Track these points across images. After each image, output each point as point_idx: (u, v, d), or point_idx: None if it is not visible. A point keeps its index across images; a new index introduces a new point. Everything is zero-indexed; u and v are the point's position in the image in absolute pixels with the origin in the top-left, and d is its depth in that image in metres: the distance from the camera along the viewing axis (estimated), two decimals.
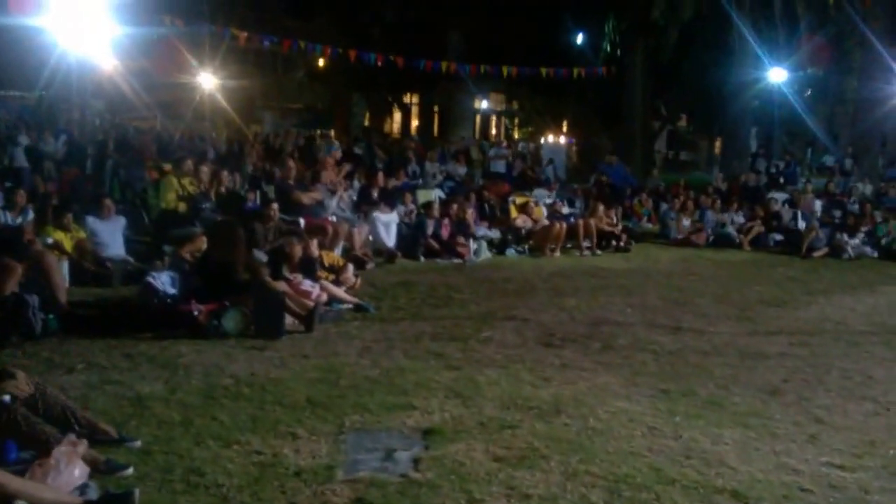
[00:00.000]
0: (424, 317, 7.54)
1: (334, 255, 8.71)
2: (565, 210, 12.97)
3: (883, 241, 12.73)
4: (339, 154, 14.83)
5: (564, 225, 11.99)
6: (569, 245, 12.09)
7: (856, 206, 14.58)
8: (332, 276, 7.79)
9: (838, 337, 7.44)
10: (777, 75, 23.30)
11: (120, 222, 9.49)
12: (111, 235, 9.18)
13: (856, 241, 12.63)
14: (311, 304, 6.90)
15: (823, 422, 5.02)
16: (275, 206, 9.35)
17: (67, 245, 8.49)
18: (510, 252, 11.72)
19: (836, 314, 8.50)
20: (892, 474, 4.26)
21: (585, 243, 12.03)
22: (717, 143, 35.40)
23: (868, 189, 17.08)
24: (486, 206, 13.15)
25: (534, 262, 11.21)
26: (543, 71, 23.57)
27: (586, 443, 4.49)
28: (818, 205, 14.82)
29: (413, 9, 30.07)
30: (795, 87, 27.15)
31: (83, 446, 3.72)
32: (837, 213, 13.80)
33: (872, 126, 21.54)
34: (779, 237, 13.52)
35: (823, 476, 4.19)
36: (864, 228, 12.97)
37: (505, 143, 26.40)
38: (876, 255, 12.60)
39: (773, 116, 28.39)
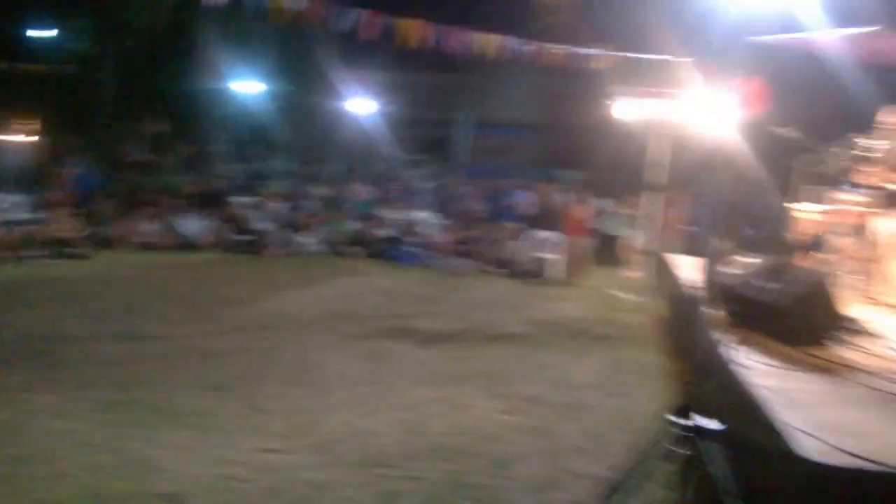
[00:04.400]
0: None
1: None
2: (19, 216, 11.53)
3: (334, 239, 14.29)
4: None
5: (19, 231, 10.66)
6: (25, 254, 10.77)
7: (313, 207, 15.99)
8: None
9: (291, 328, 8.03)
10: (248, 86, 24.40)
11: None
12: None
13: (311, 238, 13.94)
14: None
15: (265, 411, 5.31)
16: None
17: None
18: None
19: (291, 307, 9.17)
20: (323, 451, 4.68)
21: (43, 251, 10.86)
22: (190, 149, 35.48)
23: (324, 190, 18.91)
24: None
25: None
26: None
27: (10, 473, 3.97)
28: (280, 206, 15.85)
29: None
30: (267, 98, 28.84)
31: None
32: (296, 214, 14.99)
33: (327, 132, 24.03)
34: (244, 238, 14.10)
35: (261, 462, 4.41)
36: (318, 227, 14.38)
37: None
38: (329, 251, 14.06)
39: (245, 125, 29.67)
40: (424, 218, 15.31)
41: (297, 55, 28.60)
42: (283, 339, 7.52)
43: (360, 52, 26.90)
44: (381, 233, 14.35)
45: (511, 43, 9.88)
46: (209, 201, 15.19)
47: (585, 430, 5.11)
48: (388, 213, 15.48)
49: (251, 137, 31.53)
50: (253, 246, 13.77)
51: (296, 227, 14.19)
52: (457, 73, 33.91)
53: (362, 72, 28.48)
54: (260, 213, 15.09)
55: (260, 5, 8.81)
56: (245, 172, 20.29)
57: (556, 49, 10.29)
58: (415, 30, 8.91)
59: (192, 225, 13.73)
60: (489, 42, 9.63)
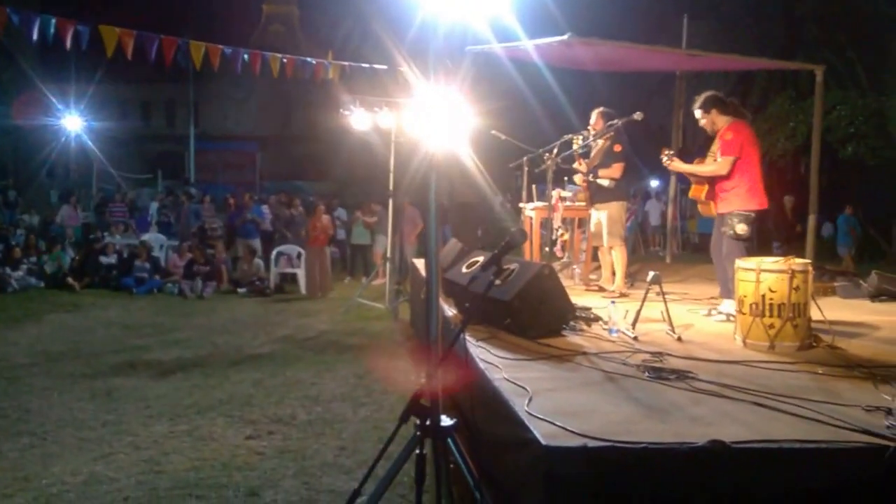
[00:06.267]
0: None
1: None
2: None
3: (48, 270, 12.83)
4: None
5: None
6: None
7: (21, 237, 14.30)
8: None
9: (0, 374, 7.05)
10: None
11: None
12: None
13: (20, 272, 12.41)
14: None
15: None
16: None
17: None
18: None
19: None
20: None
21: None
22: None
23: (35, 219, 17.02)
24: None
25: None
26: None
27: None
28: None
29: None
30: None
31: None
32: (0, 247, 13.28)
33: (38, 155, 21.63)
34: None
35: None
36: (29, 259, 12.85)
37: None
38: (42, 284, 12.60)
39: None
40: (154, 240, 14.34)
41: None
42: None
43: (68, 64, 24.69)
44: (107, 260, 13.16)
45: (228, 51, 9.49)
46: None
47: (337, 445, 5.03)
48: (113, 238, 14.27)
49: None
50: None
51: (1, 261, 12.56)
52: (177, 85, 32.37)
53: (72, 86, 26.02)
54: None
55: None
56: None
57: (278, 57, 10.09)
58: (117, 37, 8.23)
59: None
60: (202, 49, 9.16)
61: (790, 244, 13.64)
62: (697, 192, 6.10)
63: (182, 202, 16.05)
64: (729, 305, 5.70)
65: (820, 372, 4.10)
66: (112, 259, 13.23)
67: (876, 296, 6.78)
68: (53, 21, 8.02)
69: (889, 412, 3.12)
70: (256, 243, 13.86)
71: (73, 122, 22.78)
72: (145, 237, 14.40)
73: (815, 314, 4.86)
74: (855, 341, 4.94)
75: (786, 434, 2.89)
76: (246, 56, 9.76)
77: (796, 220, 14.71)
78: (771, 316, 4.66)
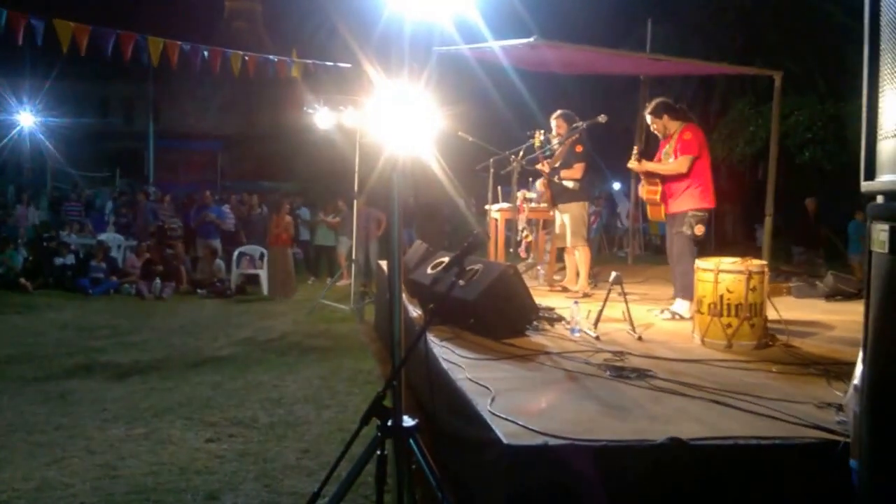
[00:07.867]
0: None
1: None
2: None
3: None
4: None
5: None
6: None
7: None
8: None
9: None
10: None
11: None
12: None
13: None
14: None
15: None
16: None
17: None
18: None
19: None
20: None
21: None
22: None
23: None
24: None
25: None
26: None
27: None
28: None
29: None
30: None
31: None
32: None
33: None
34: None
35: None
36: None
37: None
38: None
39: None
40: (112, 240, 14.07)
41: None
42: None
43: (22, 59, 24.08)
44: (61, 260, 12.87)
45: (186, 47, 9.35)
46: None
47: (300, 448, 4.97)
48: (69, 238, 13.97)
49: None
50: None
51: None
52: (137, 81, 31.80)
53: (26, 81, 25.36)
54: None
55: None
56: None
57: (239, 54, 9.98)
58: (72, 32, 8.05)
59: None
60: (160, 46, 8.99)
61: (815, 249, 13.56)
62: (651, 193, 6.23)
63: (139, 201, 15.76)
64: (679, 305, 5.83)
65: (775, 370, 4.17)
66: (67, 259, 12.94)
67: (831, 295, 6.94)
68: (5, 14, 7.81)
69: (839, 408, 3.19)
70: (217, 244, 13.68)
71: (26, 119, 22.25)
72: (102, 237, 14.11)
73: (771, 314, 4.95)
74: (809, 340, 5.05)
75: (742, 431, 2.93)
76: (206, 53, 9.63)
77: (820, 224, 14.36)
78: (728, 315, 4.75)
